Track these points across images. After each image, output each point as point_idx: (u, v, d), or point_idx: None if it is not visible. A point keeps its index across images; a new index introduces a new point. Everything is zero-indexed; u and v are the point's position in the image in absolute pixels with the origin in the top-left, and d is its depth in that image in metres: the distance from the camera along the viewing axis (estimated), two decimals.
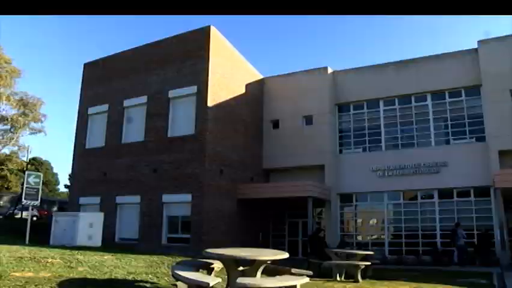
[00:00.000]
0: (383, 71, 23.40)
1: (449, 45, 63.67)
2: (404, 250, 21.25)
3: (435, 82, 21.93)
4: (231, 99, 22.01)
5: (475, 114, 21.30)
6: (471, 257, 18.66)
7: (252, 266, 8.00)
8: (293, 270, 9.00)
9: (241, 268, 8.08)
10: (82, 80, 25.44)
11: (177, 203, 19.99)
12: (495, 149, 19.78)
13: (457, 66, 21.78)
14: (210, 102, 20.25)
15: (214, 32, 21.18)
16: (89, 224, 18.67)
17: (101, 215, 19.75)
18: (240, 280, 7.21)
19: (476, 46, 21.51)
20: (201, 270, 9.16)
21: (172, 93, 21.24)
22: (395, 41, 68.47)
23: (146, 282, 10.02)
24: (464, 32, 64.98)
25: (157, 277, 10.63)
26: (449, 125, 21.81)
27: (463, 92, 21.72)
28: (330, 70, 24.25)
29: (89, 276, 9.73)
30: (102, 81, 24.15)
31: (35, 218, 30.27)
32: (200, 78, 20.52)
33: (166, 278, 10.51)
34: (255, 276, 7.97)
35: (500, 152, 19.62)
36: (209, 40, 20.80)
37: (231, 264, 8.03)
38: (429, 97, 22.33)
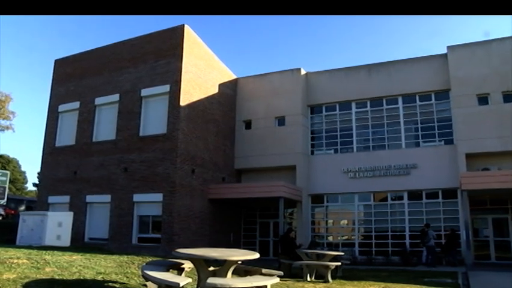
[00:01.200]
0: (356, 74, 24.34)
1: (424, 48, 65.23)
2: (373, 251, 22.20)
3: (406, 85, 23.02)
4: (203, 98, 22.53)
5: (444, 118, 22.40)
6: (438, 257, 19.65)
7: (222, 266, 8.17)
8: (264, 271, 9.16)
9: (211, 268, 8.29)
10: (53, 76, 25.59)
11: (148, 203, 20.33)
12: (462, 152, 20.83)
13: (427, 70, 22.87)
14: (183, 102, 20.71)
15: (188, 31, 21.65)
16: (57, 223, 18.72)
17: (71, 214, 19.89)
18: (211, 280, 7.33)
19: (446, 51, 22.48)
20: (171, 270, 9.24)
21: (144, 92, 21.63)
22: (370, 44, 69.76)
23: (116, 282, 9.97)
24: (437, 35, 66.62)
25: (127, 277, 10.63)
26: (419, 128, 22.87)
27: (432, 95, 22.81)
28: (303, 71, 25.06)
29: (57, 277, 9.58)
30: (73, 78, 24.40)
31: (0, 218, 30.17)
32: (173, 77, 20.98)
33: (136, 279, 10.51)
34: (225, 276, 8.10)
35: (467, 155, 20.72)
36: (183, 39, 21.25)
37: (202, 264, 8.16)
38: (400, 100, 23.36)
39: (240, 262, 8.45)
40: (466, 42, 22.82)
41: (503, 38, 21.77)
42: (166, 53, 21.48)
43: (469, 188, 18.95)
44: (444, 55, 22.48)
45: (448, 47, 22.32)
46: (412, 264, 19.57)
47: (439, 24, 68.36)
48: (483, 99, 21.26)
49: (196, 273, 8.61)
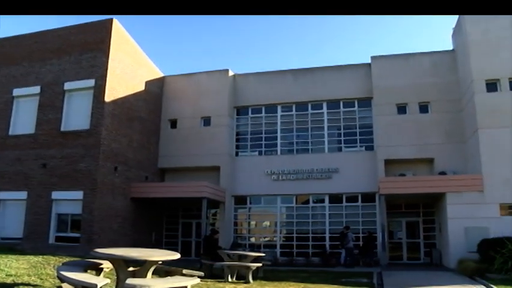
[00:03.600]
0: (283, 77, 26.16)
1: (351, 56, 68.18)
2: (294, 252, 23.98)
3: (331, 91, 25.11)
4: (129, 95, 23.18)
5: (365, 125, 24.72)
6: (356, 258, 21.65)
7: (142, 267, 8.37)
8: (184, 271, 9.47)
9: (131, 269, 8.42)
10: None
11: (68, 201, 20.51)
12: (381, 158, 23.18)
13: (352, 78, 25.13)
14: (108, 98, 21.17)
15: (116, 25, 22.14)
16: None
17: None
18: (130, 281, 7.37)
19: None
20: (89, 271, 9.22)
21: (68, 86, 21.78)
22: (300, 48, 71.84)
23: (28, 284, 9.61)
24: (364, 44, 69.88)
25: (41, 279, 10.29)
26: (342, 134, 25.03)
27: (356, 103, 25.04)
28: (231, 73, 26.49)
29: None
30: None
31: None
32: (99, 72, 21.36)
33: (50, 280, 10.21)
34: (145, 277, 8.26)
35: (386, 161, 23.10)
36: (110, 33, 21.65)
37: (121, 264, 8.23)
38: (325, 105, 25.39)
39: (160, 262, 8.66)
40: (389, 53, 24.93)
41: (422, 52, 24.42)
42: (92, 47, 21.78)
43: (386, 193, 21.23)
44: (368, 64, 24.70)
45: (372, 57, 24.69)
46: (331, 265, 21.24)
47: (367, 32, 71.65)
48: (402, 109, 23.78)
49: (115, 273, 8.64)
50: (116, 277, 8.55)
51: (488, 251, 16.76)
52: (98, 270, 9.46)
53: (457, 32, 23.24)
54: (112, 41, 21.57)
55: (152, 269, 8.50)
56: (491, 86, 20.44)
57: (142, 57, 24.85)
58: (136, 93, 23.79)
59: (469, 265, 16.72)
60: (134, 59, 23.82)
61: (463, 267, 17.01)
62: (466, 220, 19.25)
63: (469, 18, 21.31)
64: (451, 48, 24.34)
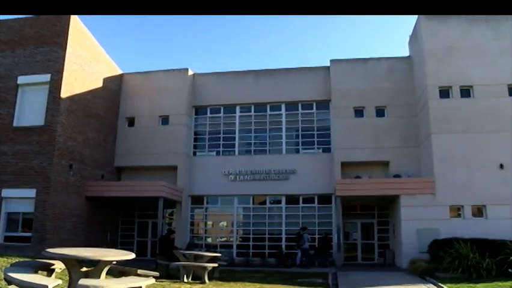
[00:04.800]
0: (243, 78, 26.42)
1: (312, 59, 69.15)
2: (251, 252, 24.17)
3: (290, 93, 25.50)
4: (86, 92, 22.88)
5: (323, 127, 25.20)
6: (312, 258, 21.99)
7: (96, 267, 8.09)
8: (139, 271, 9.21)
9: (84, 269, 8.13)
10: None
11: (19, 199, 20.09)
12: (338, 160, 23.65)
13: (311, 80, 25.58)
14: (64, 93, 20.86)
15: (74, 18, 21.78)
16: None
17: None
18: (82, 282, 7.19)
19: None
20: (40, 272, 8.77)
21: (21, 80, 21.28)
22: (261, 50, 72.33)
23: None
24: (324, 47, 70.95)
25: None
26: (300, 135, 25.40)
27: (314, 105, 25.53)
28: (190, 72, 26.51)
29: None
30: None
31: None
32: (55, 67, 20.99)
33: None
34: (99, 277, 8.01)
35: (343, 163, 23.59)
36: (68, 27, 21.30)
37: (74, 264, 7.97)
38: (283, 107, 25.74)
39: (114, 262, 8.43)
40: (348, 57, 25.44)
41: (380, 58, 25.17)
42: (48, 40, 21.37)
43: (342, 195, 21.77)
44: (327, 68, 25.25)
45: (331, 61, 25.23)
46: (287, 266, 21.53)
47: (328, 36, 72.78)
48: (359, 112, 24.40)
49: (67, 274, 8.34)
50: (68, 278, 8.26)
51: (438, 252, 17.44)
52: (49, 271, 9.04)
53: (413, 39, 24.02)
54: (69, 35, 21.24)
55: (106, 269, 8.24)
56: (444, 92, 21.24)
57: (101, 53, 24.55)
58: (93, 89, 23.48)
59: (420, 265, 17.33)
60: (92, 54, 23.52)
61: (414, 267, 17.58)
62: (418, 222, 19.92)
63: (425, 26, 22.11)
64: (407, 54, 25.11)
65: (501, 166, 19.83)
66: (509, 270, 15.35)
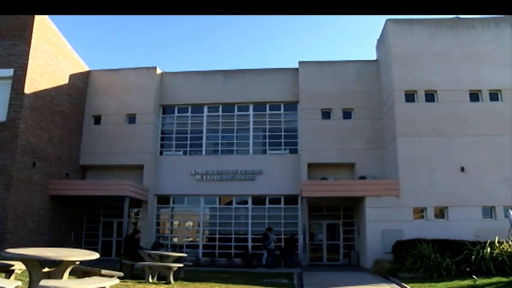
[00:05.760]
0: (212, 78, 26.36)
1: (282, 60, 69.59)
2: (217, 253, 24.16)
3: (259, 94, 25.64)
4: (51, 88, 22.45)
5: (290, 128, 25.41)
6: (278, 259, 22.12)
7: (58, 267, 7.92)
8: (103, 272, 9.14)
9: (46, 270, 7.92)
10: None
11: None
12: (305, 161, 23.86)
13: (280, 81, 25.77)
14: (28, 89, 20.41)
15: None
16: None
17: None
18: (44, 283, 7.09)
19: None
20: None
21: None
22: (233, 50, 72.30)
23: None
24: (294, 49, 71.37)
25: None
26: (267, 136, 25.53)
27: (282, 106, 25.68)
28: (159, 70, 26.33)
29: None
30: None
31: None
32: (18, 62, 20.46)
33: None
34: (61, 278, 7.85)
35: (309, 165, 23.79)
36: (33, 21, 20.75)
37: (35, 265, 7.76)
38: (251, 108, 25.83)
39: (78, 263, 8.29)
40: (316, 60, 25.67)
41: (348, 60, 25.55)
42: (11, 33, 20.77)
43: (308, 196, 21.96)
44: (296, 69, 25.44)
45: (300, 62, 25.45)
46: (253, 266, 21.68)
47: (297, 37, 73.28)
48: (326, 114, 24.67)
49: (28, 275, 8.17)
50: (28, 279, 8.07)
51: (401, 252, 17.77)
52: (8, 272, 8.87)
53: (381, 43, 24.42)
54: (34, 29, 20.71)
55: (69, 269, 8.11)
56: (410, 96, 21.68)
57: (67, 49, 24.11)
58: (59, 86, 23.04)
59: (384, 265, 17.70)
60: (58, 50, 23.08)
61: (378, 268, 17.91)
62: (383, 223, 20.29)
63: (392, 31, 22.56)
64: (374, 58, 25.53)
65: (462, 169, 20.41)
66: (467, 269, 15.78)
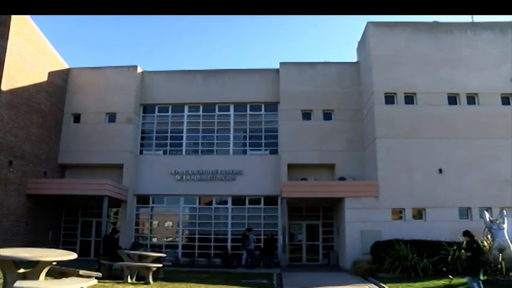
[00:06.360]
0: (192, 78, 26.29)
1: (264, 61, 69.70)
2: (196, 253, 24.08)
3: (239, 94, 25.64)
4: (30, 85, 22.15)
5: (271, 129, 25.47)
6: (257, 259, 22.15)
7: (34, 268, 7.86)
8: (81, 272, 9.10)
9: (22, 270, 7.86)
10: None
11: None
12: (285, 162, 23.91)
13: (260, 82, 25.84)
14: (5, 86, 20.14)
15: None
16: None
17: None
18: (19, 284, 7.06)
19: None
20: None
21: None
22: (215, 50, 72.18)
23: None
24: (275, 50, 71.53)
25: None
26: (248, 136, 25.56)
27: (262, 107, 25.76)
28: (139, 69, 26.15)
29: None
30: None
31: None
32: None
33: None
34: (37, 279, 7.79)
35: (289, 165, 23.85)
36: (10, 17, 20.41)
37: (9, 266, 7.65)
38: (232, 108, 25.80)
39: (55, 263, 8.25)
40: (297, 61, 25.68)
41: (329, 62, 25.82)
42: None
43: (288, 196, 22.10)
44: (277, 70, 25.49)
45: (281, 63, 25.47)
46: (232, 267, 21.66)
47: (279, 38, 73.46)
48: (307, 115, 24.77)
49: (2, 277, 8.05)
50: (3, 280, 7.92)
51: (379, 253, 18.00)
52: None
53: (362, 45, 24.62)
54: (12, 25, 20.47)
55: (45, 270, 8.05)
56: (389, 98, 21.95)
57: (46, 46, 23.78)
58: (37, 83, 22.75)
59: (363, 265, 17.86)
60: (37, 46, 22.77)
61: (357, 268, 18.06)
62: (362, 224, 20.50)
63: (373, 34, 22.82)
64: (355, 60, 25.71)
65: (440, 171, 20.72)
66: (444, 269, 16.02)
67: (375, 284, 15.15)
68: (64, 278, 8.71)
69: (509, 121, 21.16)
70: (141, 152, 25.63)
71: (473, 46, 22.37)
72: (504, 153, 20.76)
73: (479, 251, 12.56)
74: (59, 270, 9.11)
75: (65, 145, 24.87)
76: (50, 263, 7.95)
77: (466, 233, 13.19)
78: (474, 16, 23.08)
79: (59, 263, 8.32)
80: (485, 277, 13.32)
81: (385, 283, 14.74)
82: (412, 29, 22.78)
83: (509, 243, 15.41)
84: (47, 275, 8.28)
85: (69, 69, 26.10)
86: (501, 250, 15.29)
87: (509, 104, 21.74)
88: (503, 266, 15.26)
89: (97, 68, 26.48)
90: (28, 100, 21.89)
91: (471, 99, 21.79)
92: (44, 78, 23.46)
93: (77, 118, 25.50)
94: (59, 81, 25.03)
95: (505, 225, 15.69)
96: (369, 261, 18.45)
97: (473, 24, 23.07)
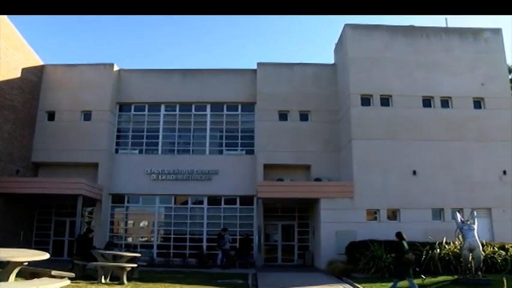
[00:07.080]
0: (170, 77, 26.17)
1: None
2: (171, 253, 23.95)
3: (216, 94, 25.59)
4: (2, 81, 21.83)
5: (247, 129, 25.56)
6: (232, 259, 22.17)
7: (4, 269, 7.82)
8: (54, 272, 9.07)
9: None
10: None
11: None
12: (261, 162, 23.99)
13: (238, 82, 25.85)
14: None
15: None
16: None
17: None
18: None
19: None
20: None
21: None
22: (192, 49, 71.91)
23: None
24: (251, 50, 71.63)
25: None
26: (224, 136, 25.57)
27: (239, 107, 25.76)
28: (116, 67, 25.87)
29: None
30: None
31: None
32: None
33: None
34: (7, 280, 7.73)
35: (265, 166, 23.94)
36: None
37: None
38: (208, 107, 25.77)
39: (26, 263, 8.17)
40: (275, 61, 25.68)
41: (306, 63, 26.01)
42: None
43: (264, 196, 22.09)
44: (254, 70, 25.55)
45: (258, 64, 25.58)
46: (208, 267, 21.67)
47: (256, 39, 73.59)
48: (283, 116, 24.87)
49: None
50: None
51: (354, 253, 18.23)
52: None
53: (339, 47, 24.83)
54: None
55: (16, 270, 7.96)
56: (365, 100, 22.23)
57: (19, 41, 23.42)
58: (10, 79, 22.38)
59: (338, 266, 18.04)
60: (10, 41, 22.41)
61: (332, 268, 18.23)
62: (337, 224, 20.65)
63: (350, 36, 23.10)
64: (332, 61, 25.92)
65: (414, 172, 21.09)
66: (417, 269, 16.19)
67: (349, 284, 15.34)
68: (35, 279, 8.56)
69: (480, 124, 21.70)
70: (117, 151, 25.37)
71: (448, 50, 22.84)
72: (475, 156, 21.32)
73: (401, 252, 12.76)
74: (30, 271, 9.01)
75: (39, 143, 24.51)
76: (21, 263, 7.83)
77: (397, 234, 13.43)
78: (448, 21, 23.52)
79: (31, 263, 8.21)
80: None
81: (359, 283, 14.94)
82: (389, 32, 23.11)
83: (479, 243, 15.83)
84: (17, 275, 8.21)
85: (43, 65, 25.68)
86: (471, 250, 15.62)
87: (480, 107, 22.31)
88: (472, 265, 15.58)
89: (73, 65, 26.12)
90: (0, 96, 21.49)
91: (445, 103, 22.22)
92: (18, 74, 23.08)
93: (51, 116, 25.12)
94: (33, 77, 24.63)
95: (475, 226, 16.06)
96: (344, 261, 18.64)
97: (447, 29, 23.53)
